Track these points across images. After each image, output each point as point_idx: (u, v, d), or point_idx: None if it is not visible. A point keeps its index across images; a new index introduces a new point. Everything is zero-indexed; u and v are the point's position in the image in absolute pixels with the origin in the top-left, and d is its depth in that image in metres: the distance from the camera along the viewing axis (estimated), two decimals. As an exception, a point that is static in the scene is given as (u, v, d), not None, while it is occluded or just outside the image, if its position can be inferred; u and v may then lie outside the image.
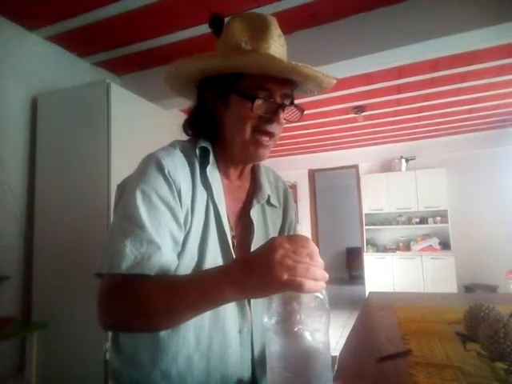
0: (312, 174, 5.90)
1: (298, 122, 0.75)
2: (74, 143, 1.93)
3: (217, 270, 0.54)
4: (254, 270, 0.48)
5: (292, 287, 0.45)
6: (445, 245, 4.67)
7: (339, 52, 2.07)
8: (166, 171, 0.63)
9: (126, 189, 0.65)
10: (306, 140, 4.81)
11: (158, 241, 0.59)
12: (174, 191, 0.63)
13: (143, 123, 2.09)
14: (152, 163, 0.64)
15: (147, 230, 0.59)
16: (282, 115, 0.67)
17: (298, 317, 0.47)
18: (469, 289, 4.42)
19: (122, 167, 1.81)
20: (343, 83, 2.85)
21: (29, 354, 1.73)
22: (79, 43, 2.23)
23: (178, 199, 0.63)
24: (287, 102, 0.69)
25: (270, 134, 0.68)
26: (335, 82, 0.72)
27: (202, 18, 1.96)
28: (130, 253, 0.57)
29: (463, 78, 2.89)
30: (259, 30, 0.67)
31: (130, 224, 0.59)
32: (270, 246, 0.48)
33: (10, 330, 1.63)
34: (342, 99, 3.29)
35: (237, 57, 0.64)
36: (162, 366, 0.64)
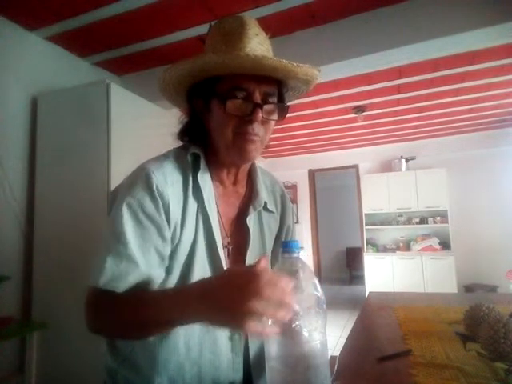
0: (312, 174, 5.90)
1: (283, 120, 0.72)
2: (73, 143, 1.93)
3: (179, 291, 0.56)
4: (209, 304, 0.49)
5: (239, 329, 0.46)
6: (445, 245, 4.66)
7: (339, 52, 2.07)
8: (154, 186, 0.64)
9: (116, 201, 0.66)
10: (306, 140, 4.81)
11: (137, 258, 0.61)
12: (160, 207, 0.64)
13: (143, 123, 2.09)
14: (142, 177, 0.65)
15: (129, 247, 0.61)
16: (261, 114, 0.64)
17: (295, 315, 0.47)
18: (469, 289, 4.42)
19: (121, 167, 1.81)
20: (343, 83, 2.85)
21: (29, 354, 1.73)
22: (79, 43, 2.23)
23: (164, 215, 0.64)
24: (272, 100, 0.68)
25: (253, 135, 0.66)
26: (314, 71, 0.69)
27: (201, 19, 1.96)
28: (109, 269, 0.60)
29: (463, 78, 2.89)
30: (233, 31, 0.66)
31: (113, 239, 0.62)
32: (223, 285, 0.48)
33: (10, 329, 1.63)
34: (341, 99, 3.29)
35: (199, 59, 0.64)
36: (154, 372, 0.65)
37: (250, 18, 0.69)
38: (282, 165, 5.88)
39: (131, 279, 0.60)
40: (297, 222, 5.71)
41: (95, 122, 1.87)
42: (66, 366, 1.79)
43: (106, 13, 1.90)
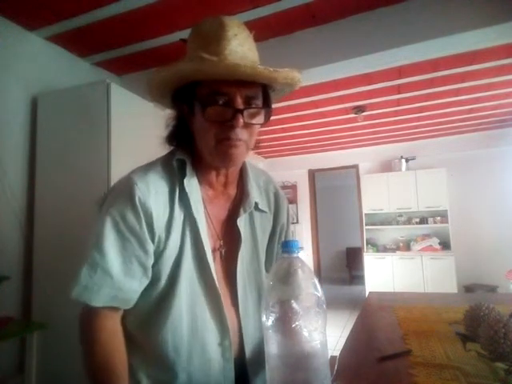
0: (312, 174, 5.90)
1: (267, 123, 0.70)
2: (73, 143, 1.93)
3: None
4: None
5: None
6: (445, 245, 4.66)
7: (339, 52, 2.07)
8: (137, 198, 0.64)
9: (102, 210, 0.67)
10: (306, 140, 4.81)
11: (113, 271, 0.62)
12: (142, 219, 0.64)
13: (143, 123, 2.08)
14: (125, 188, 0.66)
15: (106, 259, 0.62)
16: (242, 119, 0.62)
17: (295, 315, 0.47)
18: (469, 289, 4.42)
19: (121, 167, 1.81)
20: (343, 83, 2.85)
21: (29, 354, 1.73)
22: (79, 43, 2.23)
23: (145, 227, 0.65)
24: (256, 102, 0.66)
25: (236, 141, 0.64)
26: (295, 74, 0.67)
27: (201, 18, 1.96)
28: (83, 279, 0.62)
29: (463, 78, 2.89)
30: (212, 34, 0.65)
31: (93, 248, 0.63)
32: None
33: (10, 329, 1.63)
34: (341, 99, 3.29)
35: (174, 67, 0.63)
36: (147, 375, 0.67)
37: (230, 18, 0.67)
38: (282, 165, 5.88)
39: (104, 292, 0.62)
40: (297, 222, 5.70)
41: (95, 122, 1.87)
42: (66, 366, 1.79)
43: (106, 13, 1.90)
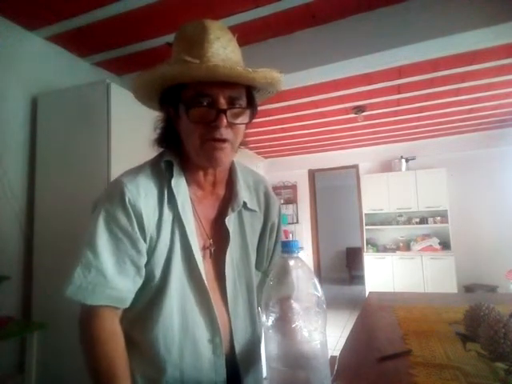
0: (312, 174, 5.90)
1: (250, 123, 0.72)
2: (73, 143, 1.93)
3: None
4: None
5: None
6: (445, 245, 4.66)
7: (339, 52, 2.07)
8: (127, 200, 0.66)
9: (94, 213, 0.68)
10: (306, 140, 4.81)
11: (106, 270, 0.63)
12: (133, 220, 0.66)
13: (143, 123, 2.08)
14: (116, 191, 0.67)
15: (100, 259, 0.63)
16: (226, 120, 0.64)
17: (295, 315, 0.47)
18: (469, 289, 4.42)
19: (121, 167, 1.79)
20: (343, 83, 2.85)
21: (29, 354, 1.73)
22: (79, 43, 2.22)
23: (137, 227, 0.66)
24: (239, 103, 0.67)
25: (221, 141, 0.66)
26: (274, 74, 0.67)
27: (201, 18, 1.96)
28: (77, 278, 0.63)
29: (463, 78, 2.88)
30: (195, 38, 0.66)
31: (86, 248, 0.65)
32: None
33: (10, 329, 1.63)
34: (341, 99, 3.29)
35: (157, 70, 0.64)
36: (141, 373, 0.68)
37: (212, 21, 0.69)
38: (282, 165, 5.88)
39: (99, 291, 0.63)
40: (297, 222, 5.70)
41: (95, 121, 1.86)
42: (66, 366, 1.79)
43: (106, 13, 1.90)
